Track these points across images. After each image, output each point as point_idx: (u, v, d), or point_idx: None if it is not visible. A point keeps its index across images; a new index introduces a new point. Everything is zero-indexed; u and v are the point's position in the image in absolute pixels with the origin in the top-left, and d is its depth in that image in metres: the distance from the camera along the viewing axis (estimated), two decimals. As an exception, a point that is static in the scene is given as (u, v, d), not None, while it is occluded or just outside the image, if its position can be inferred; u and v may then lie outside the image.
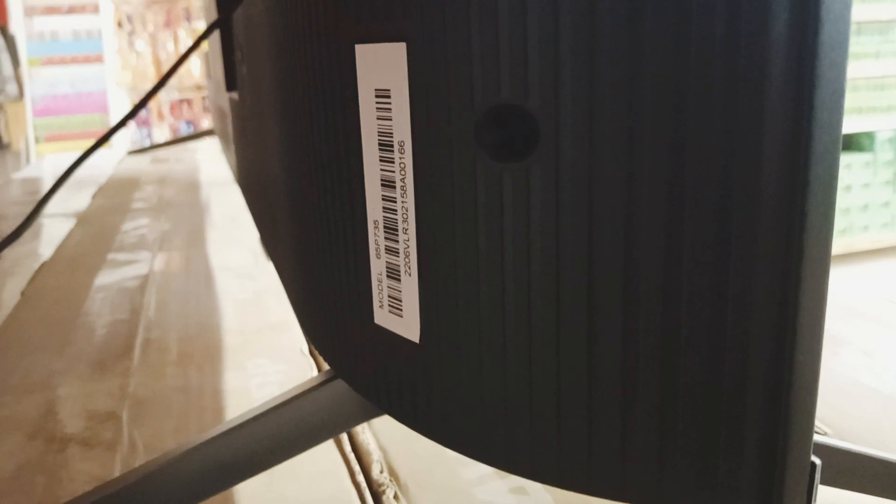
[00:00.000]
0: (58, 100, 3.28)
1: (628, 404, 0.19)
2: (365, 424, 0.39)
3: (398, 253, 0.22)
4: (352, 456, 0.36)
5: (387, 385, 0.25)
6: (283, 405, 0.30)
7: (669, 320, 0.18)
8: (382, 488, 0.34)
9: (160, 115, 2.74)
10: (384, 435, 0.38)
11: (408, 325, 0.23)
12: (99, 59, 3.07)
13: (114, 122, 2.93)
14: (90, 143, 0.85)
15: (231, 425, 0.29)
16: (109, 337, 0.53)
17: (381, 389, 0.26)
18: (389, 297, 0.23)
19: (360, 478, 0.35)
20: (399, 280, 0.23)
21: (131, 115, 0.48)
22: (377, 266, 0.23)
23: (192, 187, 1.14)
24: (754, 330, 0.17)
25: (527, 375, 0.20)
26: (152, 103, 2.80)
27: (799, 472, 0.18)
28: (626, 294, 0.18)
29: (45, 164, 1.56)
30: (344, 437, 0.38)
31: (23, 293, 0.65)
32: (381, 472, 0.35)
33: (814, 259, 0.17)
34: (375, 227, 0.23)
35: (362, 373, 0.27)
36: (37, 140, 2.98)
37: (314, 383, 0.30)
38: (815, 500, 0.19)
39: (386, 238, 0.23)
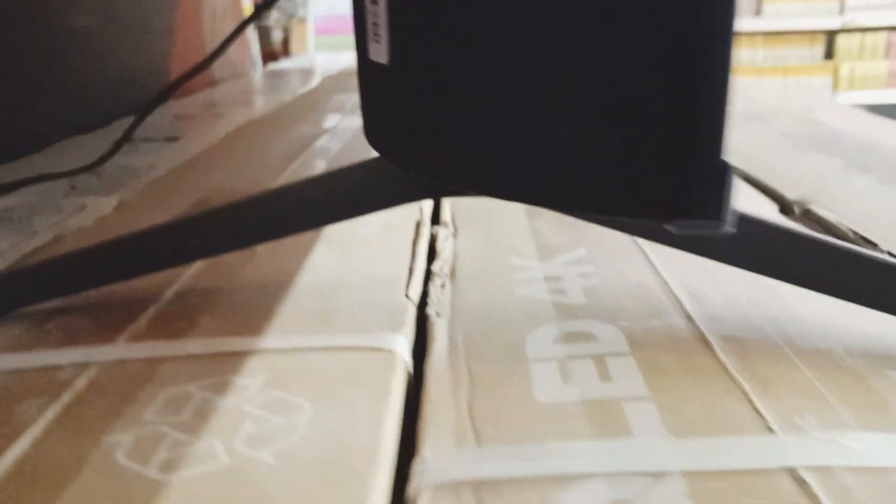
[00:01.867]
0: (337, 20, 3.56)
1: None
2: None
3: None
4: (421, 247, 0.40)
5: (392, 135, 0.28)
6: (331, 174, 0.34)
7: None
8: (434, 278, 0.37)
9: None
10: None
11: (382, 50, 0.25)
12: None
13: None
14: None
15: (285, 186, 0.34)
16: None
17: (392, 141, 0.29)
18: (373, 24, 0.25)
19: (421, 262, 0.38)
20: (377, 4, 0.25)
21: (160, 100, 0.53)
22: (369, 7, 0.26)
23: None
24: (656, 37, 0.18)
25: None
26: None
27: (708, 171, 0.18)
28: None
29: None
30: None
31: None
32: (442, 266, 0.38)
33: None
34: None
35: (380, 134, 0.30)
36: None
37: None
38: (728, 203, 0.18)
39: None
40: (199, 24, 1.21)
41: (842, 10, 2.77)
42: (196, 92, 1.15)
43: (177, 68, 1.09)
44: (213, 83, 1.25)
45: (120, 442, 0.24)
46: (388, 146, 0.28)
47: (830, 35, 2.82)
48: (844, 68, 2.80)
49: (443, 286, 0.36)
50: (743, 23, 2.84)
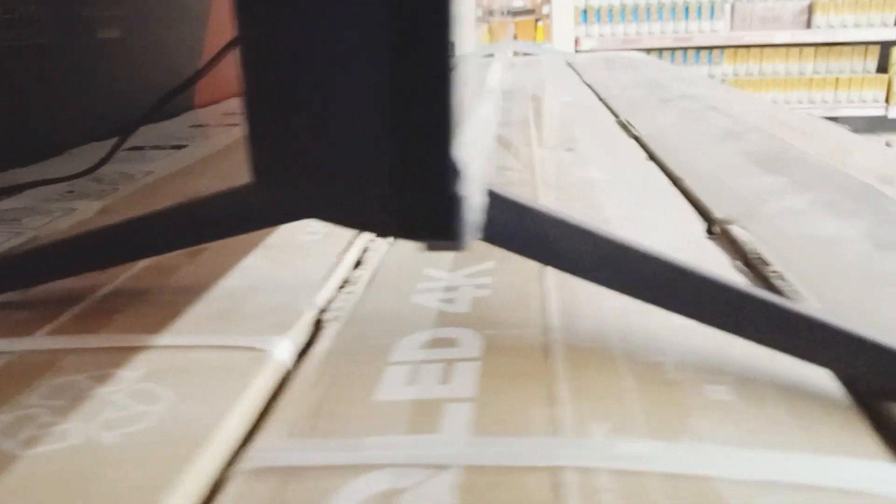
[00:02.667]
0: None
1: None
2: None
3: None
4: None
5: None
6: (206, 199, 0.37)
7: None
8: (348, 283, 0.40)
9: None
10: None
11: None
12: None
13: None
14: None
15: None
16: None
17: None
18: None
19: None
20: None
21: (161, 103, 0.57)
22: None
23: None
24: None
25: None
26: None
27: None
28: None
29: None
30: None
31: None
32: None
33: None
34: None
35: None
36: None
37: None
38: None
39: None
40: (227, 39, 1.27)
41: (898, 22, 2.71)
42: (221, 101, 1.21)
43: (204, 81, 1.14)
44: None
45: (0, 421, 0.28)
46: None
47: (885, 47, 2.75)
48: (899, 81, 2.73)
49: (350, 293, 0.39)
50: (793, 35, 2.80)
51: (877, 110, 2.78)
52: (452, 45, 0.19)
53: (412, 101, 0.19)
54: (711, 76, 2.90)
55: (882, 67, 2.77)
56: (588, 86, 1.20)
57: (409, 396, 0.29)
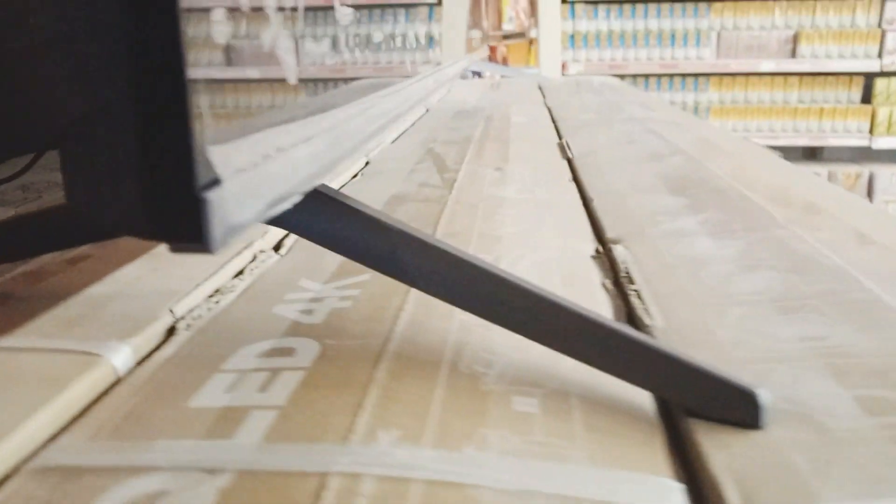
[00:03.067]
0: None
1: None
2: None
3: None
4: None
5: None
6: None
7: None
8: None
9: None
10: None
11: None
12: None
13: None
14: None
15: None
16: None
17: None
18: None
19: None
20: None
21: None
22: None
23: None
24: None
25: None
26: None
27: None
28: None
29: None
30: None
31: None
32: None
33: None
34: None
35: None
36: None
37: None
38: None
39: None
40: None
41: (881, 54, 2.72)
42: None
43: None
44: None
45: None
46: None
47: (869, 78, 2.77)
48: (882, 113, 2.74)
49: (217, 302, 0.39)
50: (778, 64, 2.82)
51: (861, 140, 2.79)
52: (185, 55, 0.19)
53: (154, 112, 0.20)
54: (697, 103, 2.91)
55: (866, 98, 2.78)
56: (547, 108, 1.20)
57: (222, 403, 0.29)
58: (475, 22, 2.81)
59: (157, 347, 0.35)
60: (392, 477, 0.24)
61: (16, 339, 0.34)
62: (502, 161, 0.75)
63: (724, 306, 0.36)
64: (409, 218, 0.55)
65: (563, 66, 3.04)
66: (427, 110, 1.24)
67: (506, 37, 3.07)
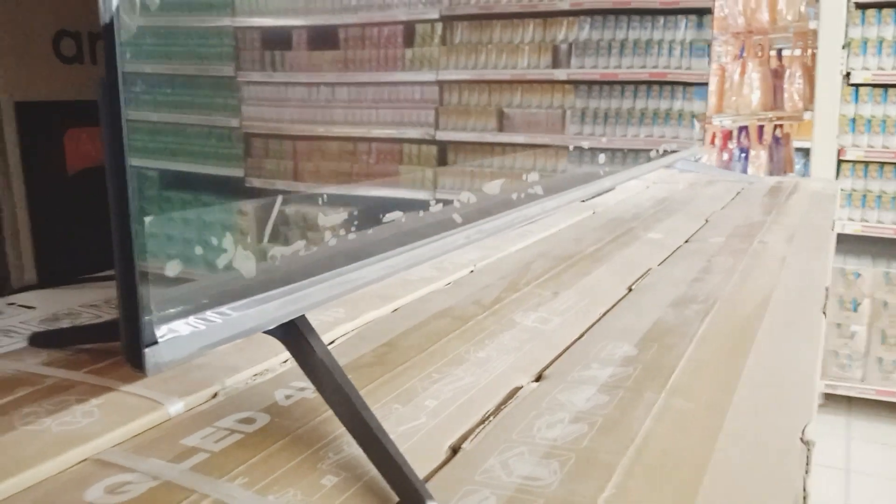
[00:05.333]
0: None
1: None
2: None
3: None
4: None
5: None
6: None
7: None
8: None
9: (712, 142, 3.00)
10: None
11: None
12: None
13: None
14: None
15: None
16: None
17: None
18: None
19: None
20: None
21: None
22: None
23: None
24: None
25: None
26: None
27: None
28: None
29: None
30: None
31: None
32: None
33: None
34: None
35: None
36: None
37: None
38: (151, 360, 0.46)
39: None
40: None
41: None
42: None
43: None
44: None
45: None
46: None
47: None
48: None
49: (254, 377, 0.66)
50: None
51: None
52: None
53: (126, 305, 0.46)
54: None
55: None
56: (706, 221, 1.31)
57: (206, 446, 0.54)
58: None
59: (201, 403, 0.61)
60: (218, 499, 0.47)
61: (124, 384, 0.63)
62: (559, 286, 0.93)
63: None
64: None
65: (840, 151, 2.95)
66: (594, 212, 1.41)
67: (780, 118, 3.04)
